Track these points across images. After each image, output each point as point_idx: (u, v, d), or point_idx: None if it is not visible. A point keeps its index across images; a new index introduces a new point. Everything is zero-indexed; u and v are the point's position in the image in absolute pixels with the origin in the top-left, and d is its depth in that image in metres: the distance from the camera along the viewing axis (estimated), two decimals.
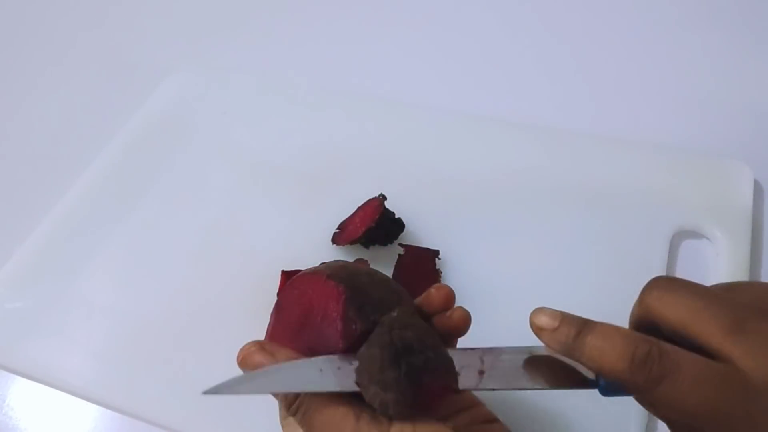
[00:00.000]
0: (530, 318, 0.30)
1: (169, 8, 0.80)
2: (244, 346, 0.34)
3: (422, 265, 0.49)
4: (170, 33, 0.77)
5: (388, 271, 0.49)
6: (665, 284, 0.30)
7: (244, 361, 0.33)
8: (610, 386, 0.29)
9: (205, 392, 0.31)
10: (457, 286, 0.48)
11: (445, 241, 0.51)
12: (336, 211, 0.53)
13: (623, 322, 0.33)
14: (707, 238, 0.51)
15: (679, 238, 0.51)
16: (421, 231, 0.52)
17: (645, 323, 0.31)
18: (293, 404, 0.32)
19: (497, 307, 0.46)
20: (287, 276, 0.49)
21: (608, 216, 0.52)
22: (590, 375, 0.30)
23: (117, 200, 0.58)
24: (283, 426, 0.34)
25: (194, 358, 0.47)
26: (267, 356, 0.33)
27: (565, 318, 0.30)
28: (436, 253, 0.50)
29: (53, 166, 0.63)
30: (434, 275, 0.49)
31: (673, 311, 0.29)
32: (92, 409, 0.47)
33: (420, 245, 0.50)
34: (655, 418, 0.42)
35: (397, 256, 0.49)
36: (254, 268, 0.51)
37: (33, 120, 0.70)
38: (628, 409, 0.42)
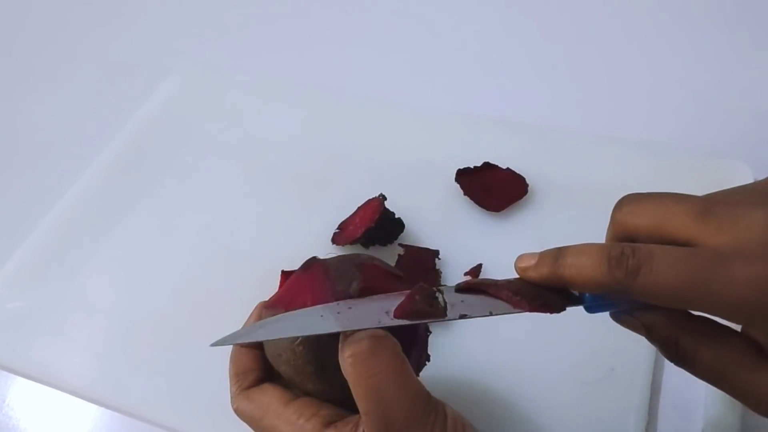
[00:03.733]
0: (514, 264, 0.33)
1: (170, 8, 0.80)
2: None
3: (422, 265, 0.49)
4: (170, 33, 0.77)
5: None
6: (633, 197, 0.32)
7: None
8: (594, 300, 0.31)
9: (214, 344, 0.34)
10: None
11: (445, 241, 0.51)
12: (336, 211, 0.53)
13: None
14: None
15: None
16: (421, 231, 0.52)
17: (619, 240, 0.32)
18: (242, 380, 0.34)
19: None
20: (287, 276, 0.49)
21: (607, 216, 0.52)
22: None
23: (117, 200, 0.58)
24: (234, 405, 0.35)
25: (194, 358, 0.47)
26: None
27: (543, 252, 0.32)
28: (436, 253, 0.50)
29: (53, 166, 0.63)
30: (434, 275, 0.49)
31: (644, 217, 0.30)
32: (92, 409, 0.47)
33: (420, 245, 0.51)
34: (654, 419, 0.42)
35: (397, 256, 0.50)
36: (254, 268, 0.51)
37: (33, 120, 0.70)
38: (628, 409, 0.42)
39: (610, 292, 0.29)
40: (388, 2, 0.77)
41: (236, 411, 0.34)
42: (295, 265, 0.49)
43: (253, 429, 0.34)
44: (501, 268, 0.50)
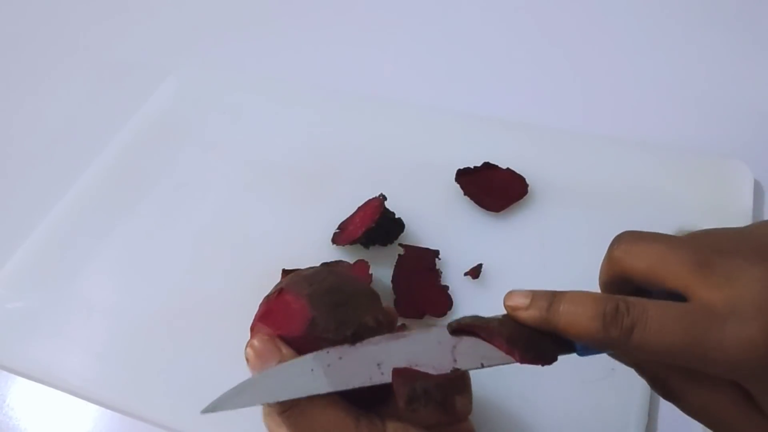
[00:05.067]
0: (504, 301, 0.32)
1: (170, 8, 0.80)
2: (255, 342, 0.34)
3: (422, 265, 0.49)
4: (170, 33, 0.77)
5: (388, 271, 0.49)
6: (630, 237, 0.31)
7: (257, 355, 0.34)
8: (586, 350, 0.31)
9: (204, 411, 0.32)
10: (456, 285, 0.49)
11: (445, 241, 0.51)
12: (336, 210, 0.53)
13: None
14: None
15: None
16: (421, 231, 0.52)
17: (615, 280, 0.32)
18: (282, 410, 0.32)
19: (498, 307, 0.46)
20: (287, 275, 0.49)
21: (608, 216, 0.52)
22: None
23: (117, 200, 0.58)
24: (266, 422, 0.34)
25: (194, 357, 0.47)
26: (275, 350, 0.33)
27: (536, 294, 0.31)
28: (436, 253, 0.50)
29: (53, 167, 0.63)
30: (434, 275, 0.49)
31: (640, 260, 0.30)
32: (92, 409, 0.47)
33: (420, 245, 0.50)
34: (654, 419, 0.42)
35: (397, 256, 0.50)
36: (254, 268, 0.51)
37: (33, 120, 0.70)
38: (628, 410, 0.42)
39: (604, 347, 0.29)
40: (389, 2, 0.77)
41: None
42: (295, 264, 0.49)
43: None
44: (501, 269, 0.50)
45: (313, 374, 0.31)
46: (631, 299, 0.29)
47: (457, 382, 0.34)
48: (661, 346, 0.27)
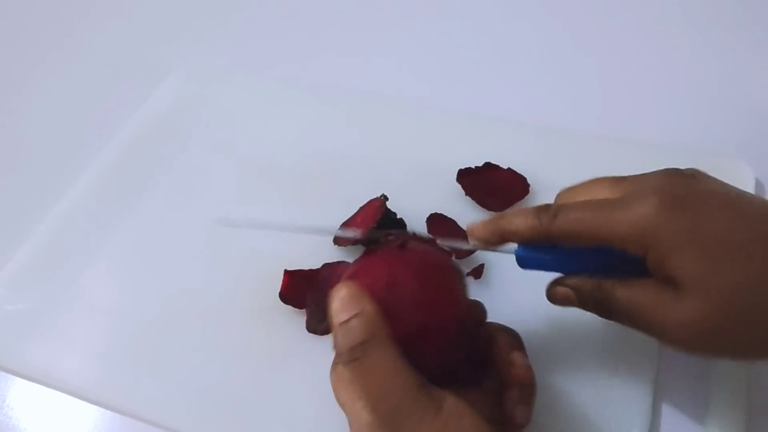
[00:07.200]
0: (466, 229, 0.40)
1: (169, 8, 0.80)
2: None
3: None
4: (170, 33, 0.77)
5: None
6: (568, 187, 0.41)
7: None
8: (525, 251, 0.38)
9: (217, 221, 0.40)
10: None
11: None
12: (337, 211, 0.53)
13: None
14: None
15: None
16: (422, 231, 0.52)
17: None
18: (355, 348, 0.33)
19: (500, 307, 0.46)
20: (290, 276, 0.49)
21: None
22: None
23: (117, 201, 0.58)
24: (332, 378, 0.34)
25: (195, 358, 0.47)
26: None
27: (484, 221, 0.39)
28: (448, 254, 0.49)
29: (54, 167, 0.63)
30: None
31: (575, 195, 0.39)
32: (92, 410, 0.47)
33: None
34: (658, 418, 0.42)
35: None
36: (256, 269, 0.51)
37: (33, 120, 0.69)
38: (632, 409, 0.42)
39: (538, 237, 0.36)
40: (389, 2, 0.77)
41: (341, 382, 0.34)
42: (297, 265, 0.49)
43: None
44: (503, 269, 0.50)
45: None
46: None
47: (524, 392, 0.37)
48: (579, 224, 0.35)
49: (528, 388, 0.37)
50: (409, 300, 0.35)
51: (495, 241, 0.38)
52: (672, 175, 0.37)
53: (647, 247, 0.33)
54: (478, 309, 0.40)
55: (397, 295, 0.35)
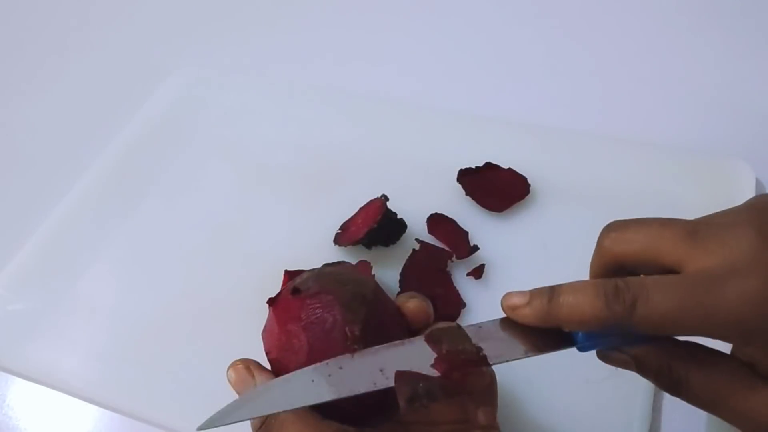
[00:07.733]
0: (501, 303, 0.32)
1: (170, 9, 0.80)
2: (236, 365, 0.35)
3: (434, 265, 0.49)
4: (170, 33, 0.77)
5: (390, 272, 0.49)
6: (619, 224, 0.32)
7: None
8: (587, 340, 0.31)
9: (200, 428, 0.31)
10: (459, 286, 0.48)
11: None
12: (338, 211, 0.53)
13: None
14: None
15: None
16: (423, 231, 0.52)
17: (606, 270, 0.32)
18: (260, 429, 0.32)
19: (498, 308, 0.46)
20: (290, 276, 0.48)
21: (610, 216, 0.51)
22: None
23: (118, 201, 0.58)
24: None
25: (195, 359, 0.47)
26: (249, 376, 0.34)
27: (533, 291, 0.31)
28: (450, 254, 0.50)
29: (54, 167, 0.63)
30: (443, 276, 0.49)
31: (631, 243, 0.31)
32: (93, 410, 0.47)
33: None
34: (659, 418, 0.42)
35: (398, 257, 0.50)
36: (256, 269, 0.51)
37: (34, 121, 0.69)
38: (632, 409, 0.42)
39: (609, 328, 0.29)
40: (389, 3, 0.77)
41: None
42: (297, 265, 0.49)
43: None
44: (503, 269, 0.50)
45: (315, 384, 0.31)
46: (629, 278, 0.29)
47: (483, 393, 0.34)
48: (665, 315, 0.28)
49: (486, 390, 0.35)
50: (302, 356, 0.33)
51: (544, 326, 0.31)
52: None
53: (756, 336, 0.28)
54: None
55: (291, 352, 0.34)
